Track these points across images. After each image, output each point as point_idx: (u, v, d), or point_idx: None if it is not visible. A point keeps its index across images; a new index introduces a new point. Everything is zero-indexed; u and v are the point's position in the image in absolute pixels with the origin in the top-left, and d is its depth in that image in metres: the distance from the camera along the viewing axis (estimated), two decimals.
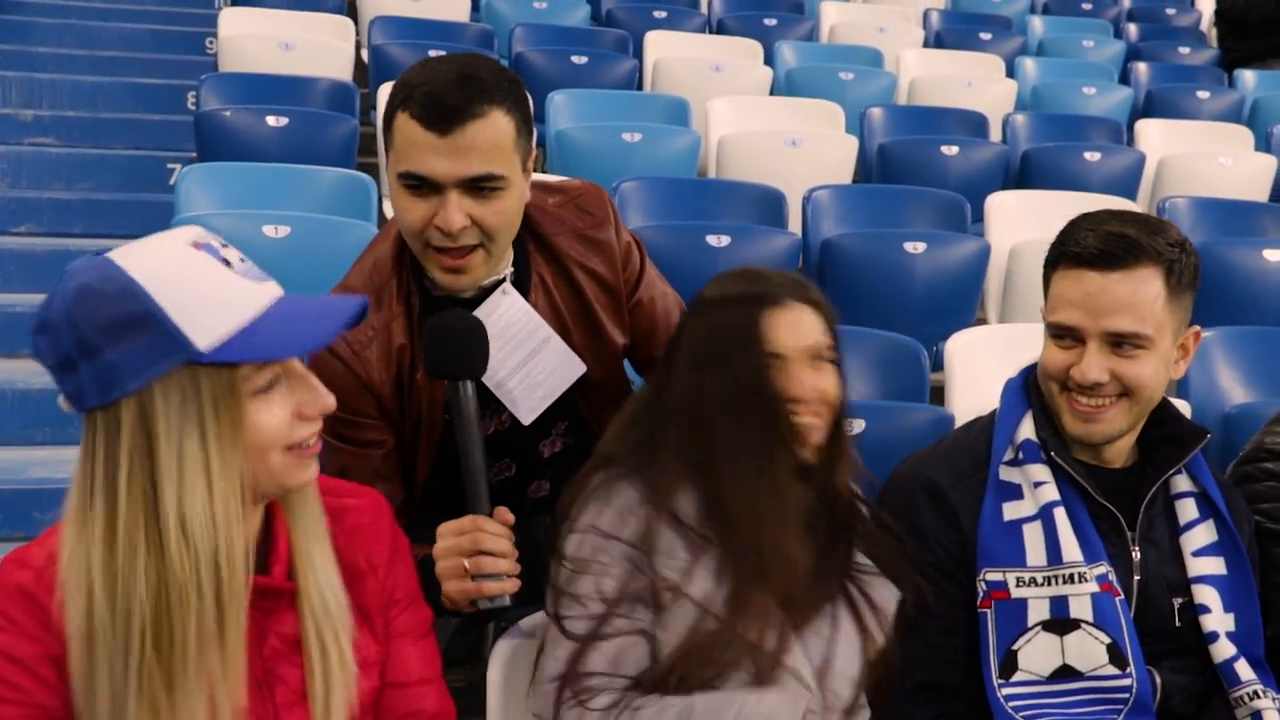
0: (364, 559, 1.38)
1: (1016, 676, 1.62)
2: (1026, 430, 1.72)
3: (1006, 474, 1.71)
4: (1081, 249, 1.65)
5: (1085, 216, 1.71)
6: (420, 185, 1.60)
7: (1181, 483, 1.75)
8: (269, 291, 1.20)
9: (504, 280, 1.75)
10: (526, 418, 1.79)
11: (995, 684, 1.63)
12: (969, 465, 1.74)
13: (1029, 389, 1.77)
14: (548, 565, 1.56)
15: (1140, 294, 1.63)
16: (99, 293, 1.13)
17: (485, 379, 1.70)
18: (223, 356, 1.14)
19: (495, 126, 1.59)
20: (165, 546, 1.14)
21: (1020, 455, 1.71)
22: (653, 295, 1.91)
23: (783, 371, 1.54)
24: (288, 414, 1.21)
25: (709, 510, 1.51)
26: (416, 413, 1.77)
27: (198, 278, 1.15)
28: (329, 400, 1.25)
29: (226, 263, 1.18)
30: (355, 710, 1.32)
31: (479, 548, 1.53)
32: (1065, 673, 1.62)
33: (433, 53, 4.80)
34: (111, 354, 1.12)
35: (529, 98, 1.69)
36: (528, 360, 1.76)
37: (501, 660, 1.66)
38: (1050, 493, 1.67)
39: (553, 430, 1.89)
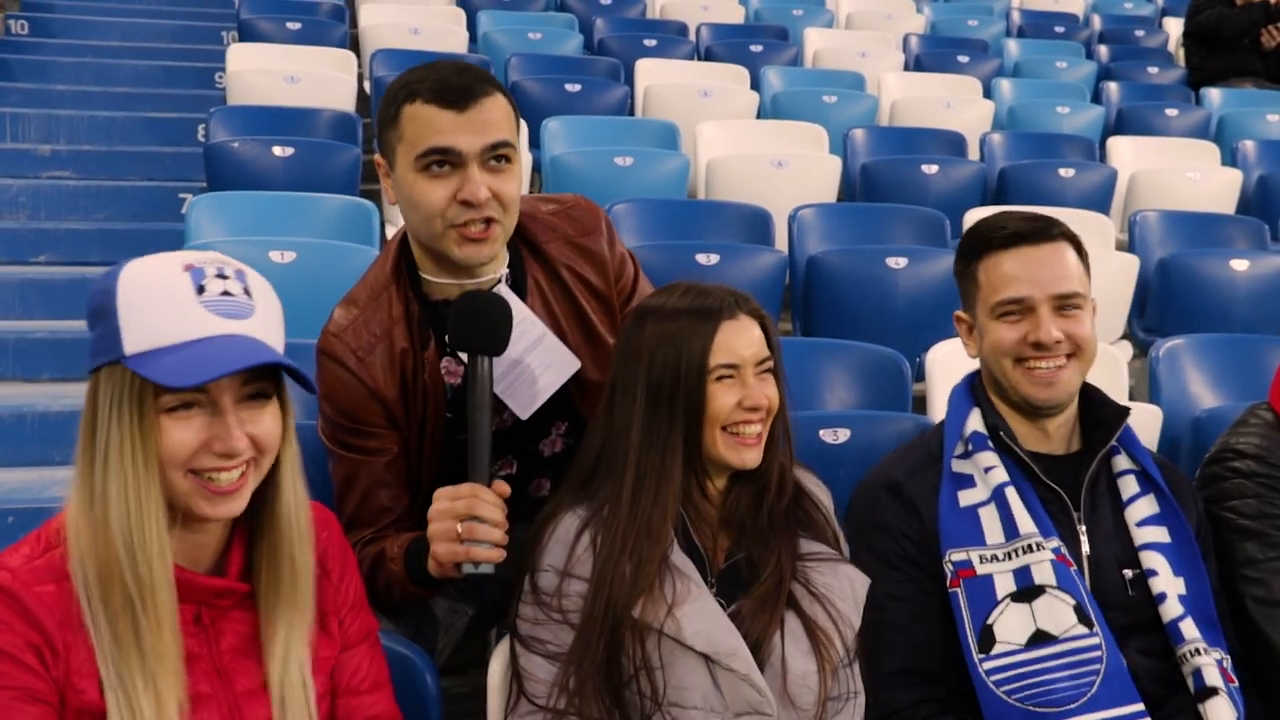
0: (318, 564, 1.44)
1: (996, 649, 1.68)
2: (974, 423, 1.83)
3: (959, 466, 1.81)
4: (1009, 232, 1.81)
5: (986, 219, 1.87)
6: (442, 163, 1.67)
7: (1121, 462, 1.86)
8: (221, 327, 1.27)
9: (499, 281, 1.80)
10: (524, 412, 1.83)
11: (976, 659, 1.68)
12: (923, 461, 1.84)
13: (974, 391, 1.89)
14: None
15: (1068, 260, 1.81)
16: (99, 281, 1.29)
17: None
18: (134, 365, 1.24)
19: (500, 103, 1.70)
20: (95, 512, 1.26)
21: (970, 447, 1.81)
22: None
23: (739, 381, 1.62)
24: (196, 440, 1.27)
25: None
26: (421, 414, 1.82)
27: (159, 294, 1.26)
28: (233, 444, 1.28)
29: (201, 289, 1.27)
30: (316, 700, 1.39)
31: (473, 513, 1.58)
32: (1041, 638, 1.68)
33: None
34: (93, 332, 1.28)
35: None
36: (524, 355, 1.80)
37: (501, 663, 1.66)
38: (1000, 475, 1.77)
39: (552, 429, 1.92)
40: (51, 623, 1.26)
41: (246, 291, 1.31)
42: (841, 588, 1.63)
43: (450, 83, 1.67)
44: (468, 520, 1.58)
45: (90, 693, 1.26)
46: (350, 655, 1.48)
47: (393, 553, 1.74)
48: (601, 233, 1.92)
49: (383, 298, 1.81)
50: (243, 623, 1.37)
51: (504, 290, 1.80)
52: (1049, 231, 1.82)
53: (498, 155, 1.70)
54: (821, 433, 2.31)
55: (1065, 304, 1.80)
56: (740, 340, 1.63)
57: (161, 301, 1.26)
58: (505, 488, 1.63)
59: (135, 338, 1.25)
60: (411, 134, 1.68)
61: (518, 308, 1.79)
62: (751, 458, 1.64)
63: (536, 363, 1.82)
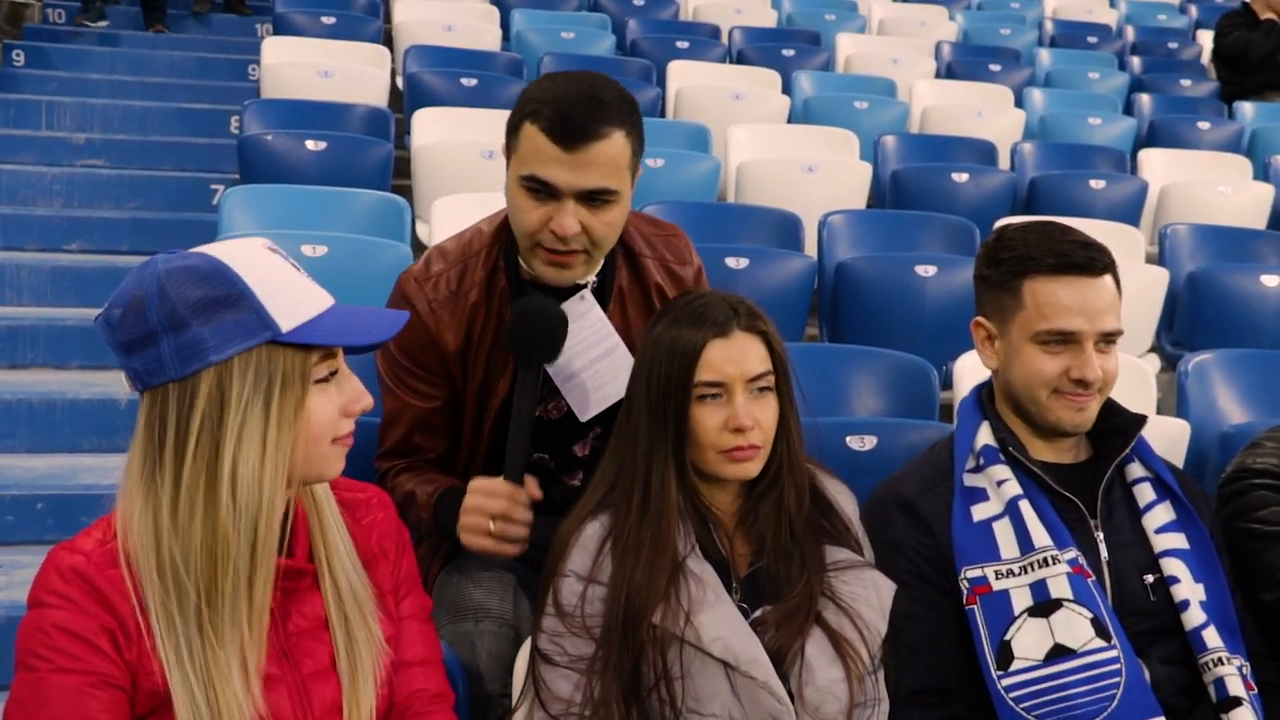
0: (377, 544, 1.49)
1: (1014, 666, 1.66)
2: (984, 437, 1.81)
3: (971, 480, 1.79)
4: (1063, 258, 1.77)
5: (1026, 231, 1.83)
6: (540, 190, 1.72)
7: (1136, 470, 1.85)
8: (328, 296, 1.34)
9: (586, 286, 1.86)
10: (583, 414, 1.89)
11: (994, 676, 1.66)
12: (935, 476, 1.82)
13: (982, 403, 1.87)
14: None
15: (1114, 294, 1.79)
16: (196, 272, 1.26)
17: (552, 371, 1.84)
18: (299, 338, 1.28)
19: (615, 146, 1.72)
20: (218, 504, 1.26)
21: (981, 461, 1.80)
22: None
23: (726, 401, 1.60)
24: (337, 408, 1.34)
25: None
26: (481, 380, 1.90)
27: (277, 272, 1.30)
28: (368, 401, 1.37)
29: (295, 267, 1.33)
30: (382, 681, 1.42)
31: (508, 515, 1.72)
32: (1059, 652, 1.66)
33: (464, 80, 4.94)
34: (200, 329, 1.24)
35: (642, 119, 1.80)
36: (594, 362, 1.87)
37: (524, 665, 1.66)
38: (1013, 488, 1.75)
39: (589, 433, 1.98)
40: (125, 606, 1.28)
41: (299, 268, 1.37)
42: (868, 595, 1.63)
43: (570, 117, 1.69)
44: (501, 521, 1.73)
45: (163, 675, 1.28)
46: (401, 630, 1.50)
47: (422, 500, 1.86)
48: (692, 264, 2.01)
49: (473, 260, 1.89)
50: (308, 604, 1.40)
51: (587, 297, 1.87)
52: (1102, 262, 1.78)
53: (595, 198, 1.73)
54: (848, 439, 2.31)
55: (1107, 339, 1.79)
56: (728, 357, 1.60)
57: (286, 279, 1.30)
58: (537, 491, 1.76)
59: (288, 315, 1.28)
60: (522, 152, 1.74)
61: (597, 316, 1.87)
62: (749, 470, 1.63)
63: (605, 370, 1.88)
